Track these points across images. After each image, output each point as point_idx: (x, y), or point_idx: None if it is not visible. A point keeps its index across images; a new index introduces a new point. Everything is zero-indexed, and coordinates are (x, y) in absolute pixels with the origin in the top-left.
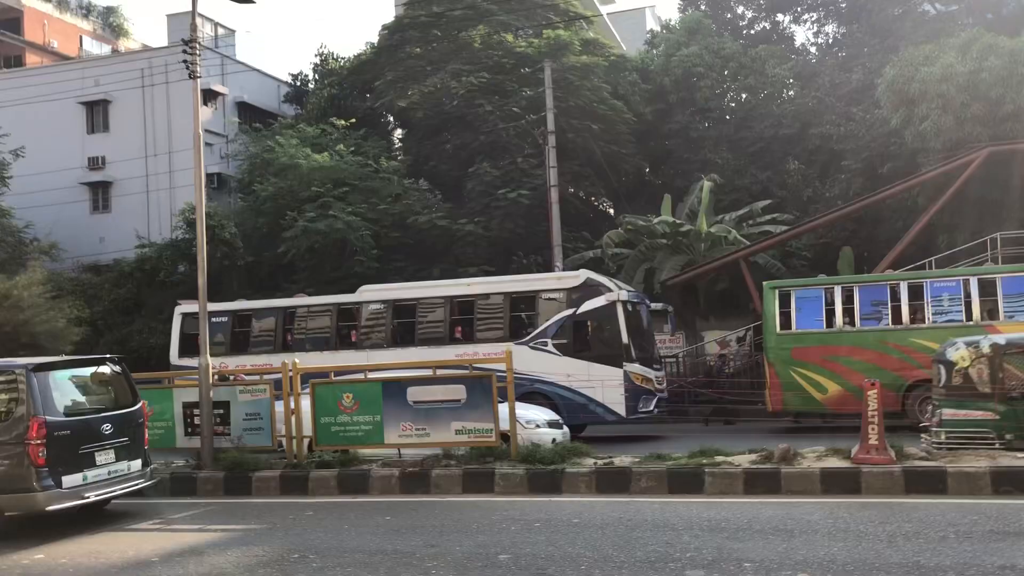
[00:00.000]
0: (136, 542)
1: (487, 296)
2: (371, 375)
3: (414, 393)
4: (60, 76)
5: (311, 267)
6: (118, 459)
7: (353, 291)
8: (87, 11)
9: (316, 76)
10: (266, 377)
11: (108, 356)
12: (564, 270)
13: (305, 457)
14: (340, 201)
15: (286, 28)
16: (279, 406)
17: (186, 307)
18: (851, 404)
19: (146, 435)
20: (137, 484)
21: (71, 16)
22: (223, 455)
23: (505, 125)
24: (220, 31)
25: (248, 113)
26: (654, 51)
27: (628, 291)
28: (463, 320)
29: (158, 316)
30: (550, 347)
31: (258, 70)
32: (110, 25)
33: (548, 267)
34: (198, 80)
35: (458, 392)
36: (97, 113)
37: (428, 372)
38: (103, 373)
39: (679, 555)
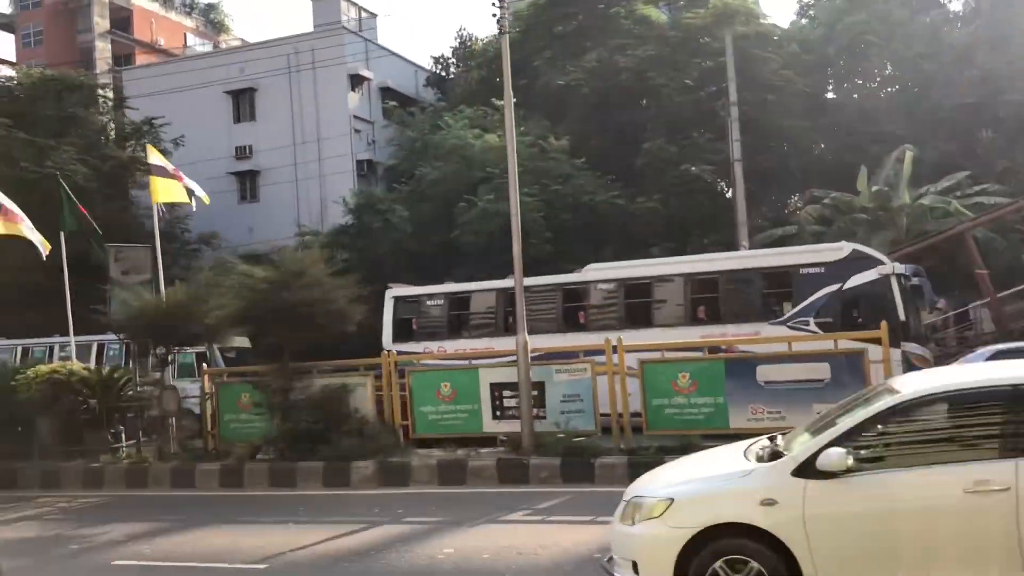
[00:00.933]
0: (536, 534)
1: (734, 272)
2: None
3: (765, 372)
4: (205, 65)
5: (479, 251)
6: None
7: (526, 276)
8: (190, 8)
9: (456, 60)
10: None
11: None
12: (750, 248)
13: (632, 440)
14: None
15: (419, 12)
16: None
17: (398, 291)
18: None
19: None
20: None
21: (176, 14)
22: (546, 439)
23: (682, 99)
24: (363, 15)
25: (391, 98)
26: (803, 20)
27: (898, 264)
28: (706, 299)
29: None
30: (812, 326)
31: (398, 55)
32: (211, 21)
33: (731, 246)
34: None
35: (820, 371)
36: (243, 102)
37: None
38: None
39: None
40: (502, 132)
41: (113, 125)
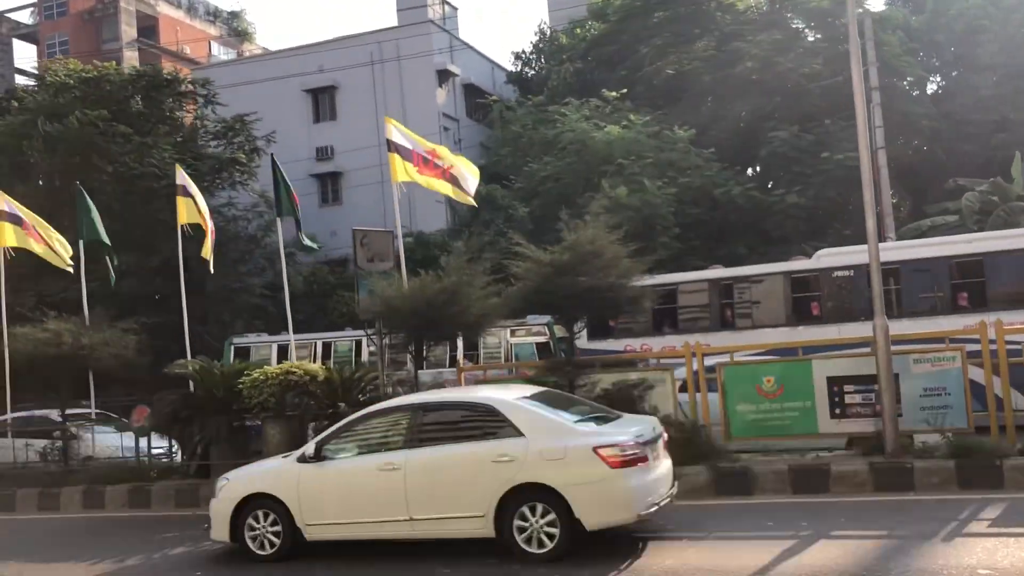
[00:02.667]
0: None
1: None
2: None
3: None
4: (282, 64)
5: None
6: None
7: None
8: (214, 17)
9: (538, 55)
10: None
11: None
12: (897, 239)
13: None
14: (638, 176)
15: (490, 7)
16: None
17: None
18: None
19: None
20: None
21: (200, 22)
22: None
23: (814, 85)
24: (446, 9)
25: (473, 96)
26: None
27: None
28: (971, 284)
29: None
30: None
31: (477, 51)
32: (235, 30)
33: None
34: None
35: None
36: (323, 101)
37: None
38: None
39: None
40: (625, 123)
41: (203, 123)
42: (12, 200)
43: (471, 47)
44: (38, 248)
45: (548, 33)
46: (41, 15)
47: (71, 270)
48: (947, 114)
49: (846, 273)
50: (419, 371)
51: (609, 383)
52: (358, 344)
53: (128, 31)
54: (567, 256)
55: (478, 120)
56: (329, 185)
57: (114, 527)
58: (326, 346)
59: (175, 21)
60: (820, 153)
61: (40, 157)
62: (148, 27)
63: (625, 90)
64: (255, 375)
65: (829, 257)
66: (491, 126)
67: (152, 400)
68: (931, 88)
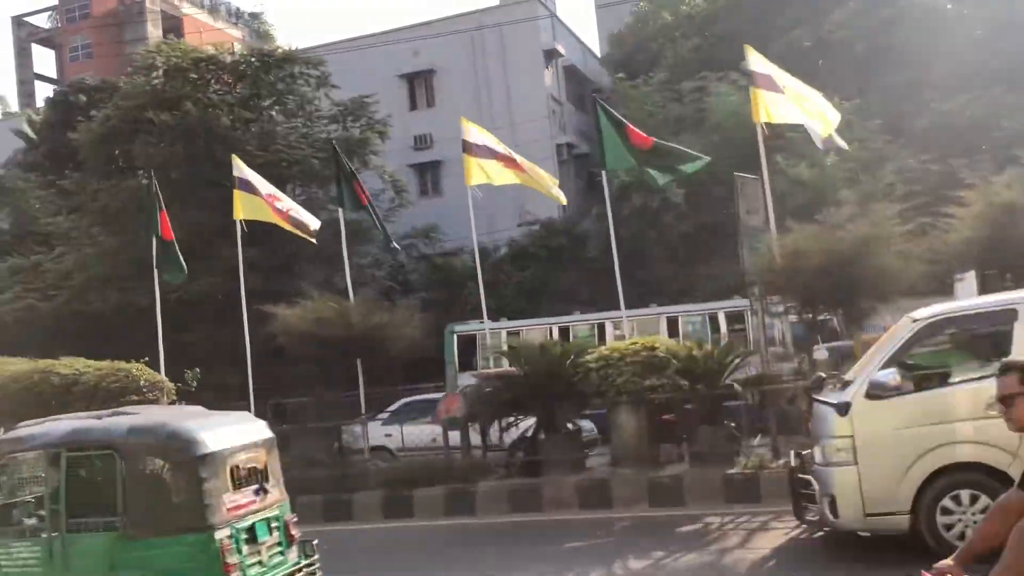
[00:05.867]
0: None
1: None
2: None
3: None
4: (376, 49)
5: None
6: None
7: None
8: (236, 18)
9: (634, 35)
10: None
11: None
12: None
13: None
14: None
15: None
16: None
17: None
18: None
19: None
20: None
21: (223, 23)
22: None
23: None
24: None
25: (573, 79)
26: None
27: None
28: None
29: (575, 298)
30: None
31: (574, 33)
32: (256, 31)
33: None
34: None
35: None
36: (419, 86)
37: None
38: None
39: None
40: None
41: (319, 106)
42: (249, 169)
43: (569, 29)
44: (279, 220)
45: (644, 13)
46: (63, 19)
47: (314, 241)
48: None
49: None
50: (815, 347)
51: None
52: (600, 328)
53: (154, 32)
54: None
55: (577, 106)
56: (429, 175)
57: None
58: (563, 331)
59: (199, 22)
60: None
61: (150, 148)
62: (173, 27)
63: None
64: (602, 352)
65: None
66: (586, 111)
67: (457, 390)
68: None
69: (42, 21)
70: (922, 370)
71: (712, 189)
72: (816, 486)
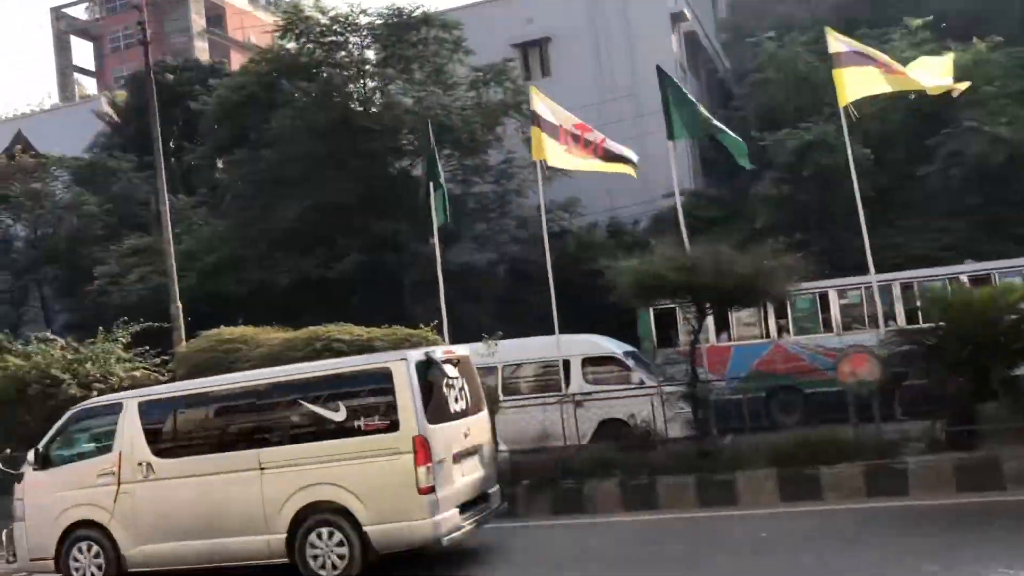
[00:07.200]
0: None
1: None
2: None
3: None
4: (487, 18)
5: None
6: None
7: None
8: (275, 6)
9: None
10: None
11: None
12: None
13: None
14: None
15: None
16: None
17: None
18: None
19: None
20: None
21: (262, 12)
22: None
23: None
24: None
25: (692, 46)
26: None
27: None
28: None
29: None
30: None
31: None
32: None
33: None
34: None
35: None
36: (534, 56)
37: None
38: None
39: None
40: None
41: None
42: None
43: None
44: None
45: None
46: (104, 7)
47: (634, 175)
48: None
49: None
50: None
51: None
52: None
53: (198, 20)
54: None
55: (694, 74)
56: None
57: None
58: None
59: (240, 11)
60: None
61: (280, 119)
62: (216, 16)
63: (931, 17)
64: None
65: None
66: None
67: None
68: None
69: (79, 13)
70: None
71: (884, 153)
72: None
